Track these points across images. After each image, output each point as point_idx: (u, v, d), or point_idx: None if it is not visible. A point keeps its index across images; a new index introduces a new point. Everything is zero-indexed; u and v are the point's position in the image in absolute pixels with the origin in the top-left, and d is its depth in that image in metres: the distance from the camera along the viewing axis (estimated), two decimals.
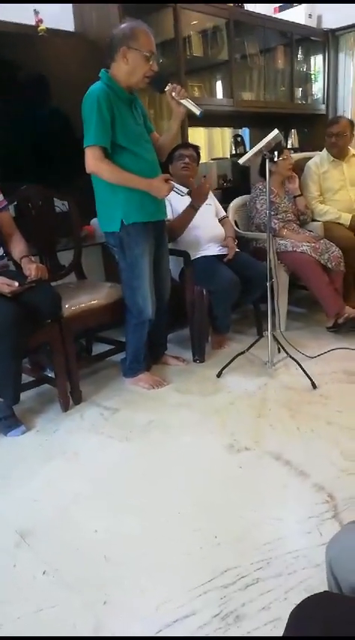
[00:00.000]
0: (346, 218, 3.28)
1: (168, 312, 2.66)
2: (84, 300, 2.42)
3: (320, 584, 1.29)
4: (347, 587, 0.70)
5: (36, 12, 2.79)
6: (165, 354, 2.81)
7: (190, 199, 2.83)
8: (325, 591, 0.72)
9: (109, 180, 2.22)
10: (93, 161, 2.18)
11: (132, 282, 2.38)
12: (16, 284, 2.04)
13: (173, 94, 2.24)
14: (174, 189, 2.83)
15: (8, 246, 2.30)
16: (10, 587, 1.39)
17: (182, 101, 2.24)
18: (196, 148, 2.97)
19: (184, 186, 2.87)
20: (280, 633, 1.17)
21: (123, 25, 2.20)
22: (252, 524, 1.55)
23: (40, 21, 2.80)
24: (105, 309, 2.49)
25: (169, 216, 2.65)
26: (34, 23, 2.79)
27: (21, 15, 2.72)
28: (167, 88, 2.24)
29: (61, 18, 2.96)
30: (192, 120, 3.20)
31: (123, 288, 2.46)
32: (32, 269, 2.15)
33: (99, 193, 2.33)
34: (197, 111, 2.25)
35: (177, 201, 2.72)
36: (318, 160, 3.40)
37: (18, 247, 2.28)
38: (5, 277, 2.06)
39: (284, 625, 0.69)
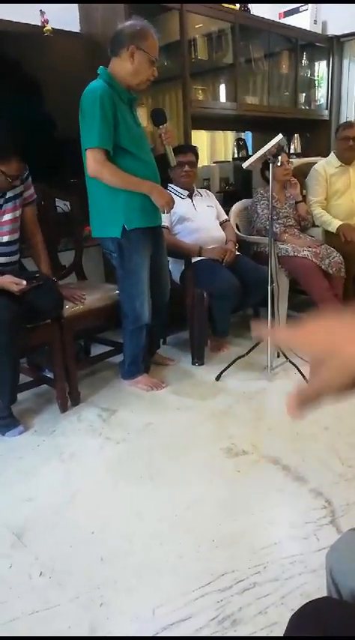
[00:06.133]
0: (334, 225, 3.25)
1: (167, 313, 2.65)
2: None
3: (316, 589, 1.29)
4: (348, 594, 0.70)
5: (42, 12, 2.79)
6: (156, 352, 2.81)
7: (191, 202, 2.85)
8: (326, 597, 0.72)
9: (111, 184, 2.15)
10: (95, 164, 2.10)
11: (130, 289, 2.35)
12: (24, 283, 2.04)
13: (163, 135, 2.33)
14: (175, 192, 2.85)
15: (30, 242, 2.32)
16: (5, 588, 1.38)
17: (166, 146, 2.35)
18: (194, 150, 2.94)
19: (185, 189, 2.90)
20: None
21: (133, 22, 2.15)
22: (249, 529, 1.55)
23: (46, 21, 2.81)
24: (106, 310, 2.49)
25: (165, 221, 2.62)
26: (39, 23, 2.79)
27: (27, 15, 2.73)
28: (161, 127, 2.33)
29: (66, 19, 2.96)
30: (195, 122, 3.22)
31: (121, 294, 2.43)
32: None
33: (97, 197, 2.26)
34: (172, 163, 2.46)
35: (176, 204, 2.72)
36: (325, 164, 3.40)
37: (44, 265, 2.33)
38: (13, 276, 2.06)
39: (281, 630, 0.69)
